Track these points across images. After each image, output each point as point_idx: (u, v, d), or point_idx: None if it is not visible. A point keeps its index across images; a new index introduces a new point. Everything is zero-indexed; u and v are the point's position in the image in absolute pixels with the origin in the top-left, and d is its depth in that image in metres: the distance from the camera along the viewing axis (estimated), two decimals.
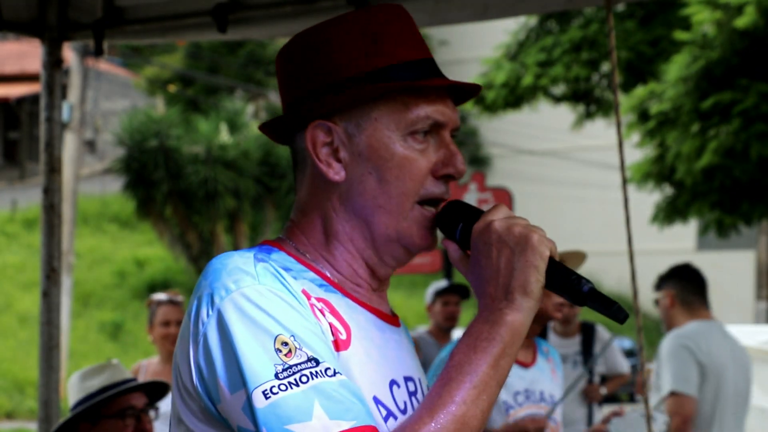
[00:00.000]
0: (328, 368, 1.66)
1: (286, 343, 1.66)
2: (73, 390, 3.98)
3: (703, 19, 13.16)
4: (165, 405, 4.46)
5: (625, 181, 3.94)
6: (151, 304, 6.20)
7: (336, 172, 1.82)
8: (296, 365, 1.65)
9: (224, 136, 21.30)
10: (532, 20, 16.14)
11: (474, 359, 1.69)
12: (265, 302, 1.69)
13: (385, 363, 1.81)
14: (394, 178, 1.80)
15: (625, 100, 14.27)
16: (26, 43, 29.62)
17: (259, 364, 1.64)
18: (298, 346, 1.66)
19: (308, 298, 1.75)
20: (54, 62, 4.51)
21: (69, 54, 21.08)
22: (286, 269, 1.78)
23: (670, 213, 14.37)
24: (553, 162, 30.60)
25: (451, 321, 7.55)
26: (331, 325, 1.75)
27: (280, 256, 1.81)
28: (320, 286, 1.80)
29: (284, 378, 1.63)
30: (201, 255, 21.48)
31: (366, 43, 1.81)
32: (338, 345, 1.75)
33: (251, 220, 21.91)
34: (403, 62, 1.82)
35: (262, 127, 1.91)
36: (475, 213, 1.82)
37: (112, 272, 25.85)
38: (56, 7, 4.48)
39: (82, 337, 22.09)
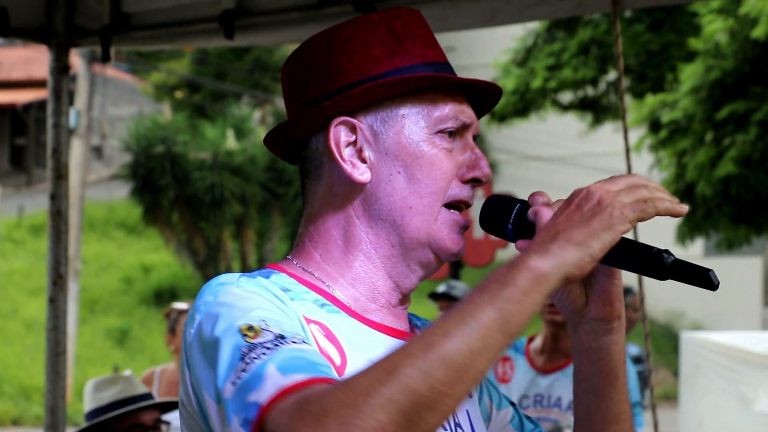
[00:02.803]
0: (296, 340, 1.50)
1: (252, 327, 1.51)
2: (86, 398, 4.02)
3: (717, 28, 13.14)
4: (176, 418, 4.47)
5: None
6: (171, 312, 6.25)
7: (361, 173, 1.71)
8: (261, 343, 1.49)
9: (231, 142, 21.31)
10: (540, 26, 16.15)
11: (478, 300, 1.45)
12: (237, 299, 1.56)
13: None
14: (425, 175, 1.71)
15: (635, 112, 14.25)
16: (33, 49, 29.69)
17: (228, 355, 1.49)
18: (265, 327, 1.51)
19: (308, 322, 1.63)
20: (61, 68, 4.51)
21: (76, 60, 21.11)
22: (285, 290, 1.66)
23: (691, 230, 14.36)
24: (559, 168, 30.57)
25: None
26: (322, 349, 1.62)
27: (279, 278, 1.69)
28: (322, 306, 1.68)
29: (250, 360, 1.47)
30: (207, 261, 21.48)
31: (390, 42, 1.74)
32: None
33: (258, 227, 21.90)
34: (428, 62, 1.75)
35: (268, 137, 1.81)
36: (523, 202, 1.68)
37: (118, 278, 25.86)
38: (63, 14, 4.48)
39: (89, 343, 22.09)
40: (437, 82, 1.74)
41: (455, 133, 1.75)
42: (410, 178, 1.71)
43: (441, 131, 1.73)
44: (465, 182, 1.74)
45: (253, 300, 1.58)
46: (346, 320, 1.69)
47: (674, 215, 1.56)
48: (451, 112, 1.74)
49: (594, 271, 1.66)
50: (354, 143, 1.73)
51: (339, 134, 1.73)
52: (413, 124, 1.72)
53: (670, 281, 1.58)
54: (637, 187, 1.56)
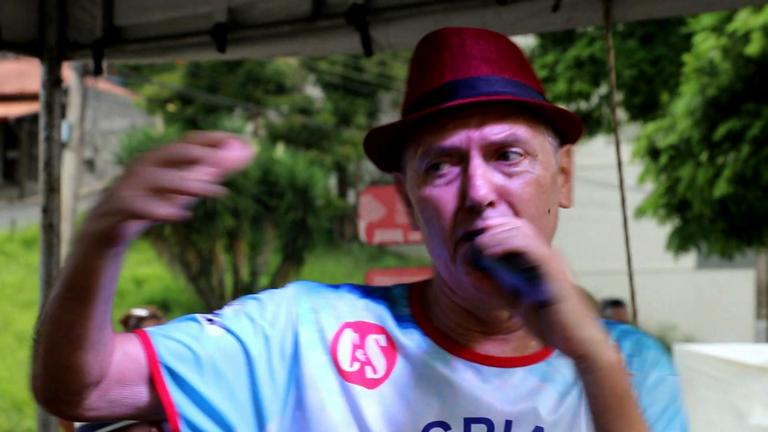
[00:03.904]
0: (220, 323, 1.69)
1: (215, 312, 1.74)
2: None
3: (709, 46, 13.17)
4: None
5: (624, 200, 3.93)
6: (130, 318, 5.96)
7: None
8: None
9: None
10: (533, 40, 16.18)
11: None
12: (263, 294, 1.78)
13: (431, 403, 1.67)
14: (429, 219, 1.66)
15: (635, 144, 14.32)
16: (26, 62, 29.65)
17: None
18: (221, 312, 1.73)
19: (344, 326, 1.71)
20: (53, 82, 4.51)
21: (68, 73, 21.10)
22: (387, 299, 1.76)
23: (683, 242, 14.39)
24: None
25: None
26: (368, 359, 1.70)
27: (399, 291, 1.78)
28: (404, 320, 1.74)
29: None
30: (200, 274, 21.45)
31: (415, 76, 1.72)
32: (367, 381, 1.69)
33: (250, 239, 21.87)
34: (422, 93, 1.68)
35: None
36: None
37: None
38: (55, 27, 4.48)
39: None
40: (403, 129, 1.71)
41: (451, 162, 1.64)
42: (426, 224, 1.68)
43: (427, 168, 1.66)
44: (468, 211, 1.64)
45: (266, 295, 1.74)
46: (417, 336, 1.72)
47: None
48: (427, 144, 1.65)
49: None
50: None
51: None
52: (413, 171, 1.69)
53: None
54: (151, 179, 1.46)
